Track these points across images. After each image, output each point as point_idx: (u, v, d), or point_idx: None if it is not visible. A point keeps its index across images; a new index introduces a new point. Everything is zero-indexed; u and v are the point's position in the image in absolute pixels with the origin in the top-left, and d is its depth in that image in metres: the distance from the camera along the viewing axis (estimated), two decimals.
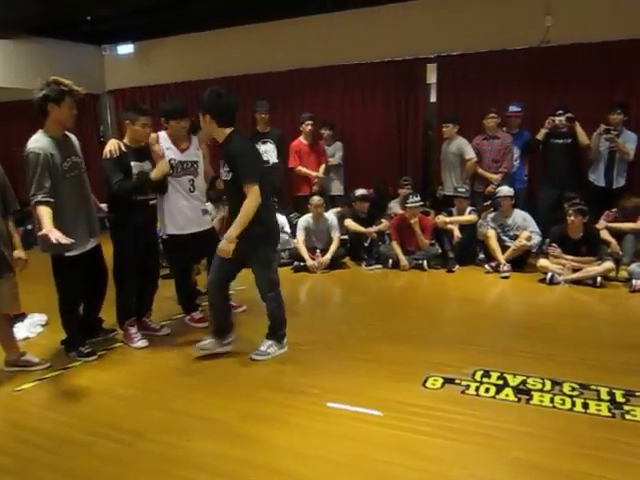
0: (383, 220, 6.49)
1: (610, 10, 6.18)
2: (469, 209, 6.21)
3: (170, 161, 4.07)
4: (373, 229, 6.39)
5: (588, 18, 6.31)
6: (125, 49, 9.26)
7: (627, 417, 2.75)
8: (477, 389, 3.09)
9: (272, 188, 6.68)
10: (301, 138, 6.98)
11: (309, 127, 6.89)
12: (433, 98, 7.64)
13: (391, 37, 7.30)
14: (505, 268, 5.62)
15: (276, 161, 6.94)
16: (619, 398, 2.92)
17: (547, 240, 5.63)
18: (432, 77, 7.50)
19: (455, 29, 6.94)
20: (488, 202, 6.20)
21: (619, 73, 6.34)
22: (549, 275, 5.30)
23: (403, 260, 5.98)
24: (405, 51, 7.32)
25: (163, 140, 4.11)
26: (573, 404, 2.89)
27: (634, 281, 5.03)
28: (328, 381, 3.25)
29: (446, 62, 7.24)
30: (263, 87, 8.11)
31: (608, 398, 2.93)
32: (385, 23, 7.28)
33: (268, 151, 6.94)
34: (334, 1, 7.22)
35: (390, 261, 6.06)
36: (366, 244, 6.35)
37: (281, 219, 6.60)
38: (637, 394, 2.95)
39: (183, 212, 4.17)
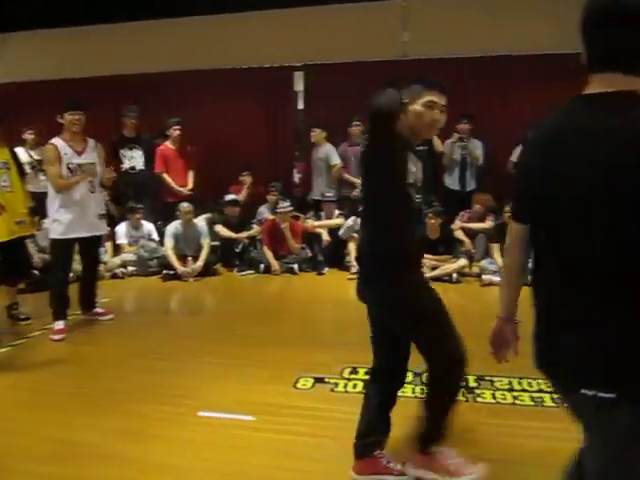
0: (254, 225, 6.51)
1: (461, 29, 6.77)
2: (337, 213, 6.43)
3: (68, 165, 4.03)
4: (244, 234, 6.38)
5: (442, 35, 6.85)
6: None
7: (478, 400, 3.01)
8: (345, 386, 3.21)
9: (139, 195, 6.51)
10: (168, 143, 6.79)
11: (177, 132, 6.72)
12: (301, 105, 7.82)
13: (260, 44, 7.36)
14: (354, 270, 5.83)
15: (143, 167, 6.71)
16: (472, 383, 3.19)
17: None
18: (300, 85, 7.69)
19: (322, 39, 7.18)
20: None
21: (468, 86, 6.94)
22: None
23: (275, 265, 6.04)
24: (273, 59, 7.43)
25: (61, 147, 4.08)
26: None
27: (484, 276, 5.53)
28: (200, 390, 3.20)
29: (313, 71, 7.45)
30: (129, 89, 7.79)
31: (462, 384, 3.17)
32: (254, 30, 7.33)
33: (135, 157, 6.69)
34: (204, 4, 7.11)
35: (262, 266, 6.09)
36: (237, 250, 6.33)
37: (148, 226, 6.39)
38: (486, 378, 3.24)
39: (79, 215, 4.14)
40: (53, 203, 4.15)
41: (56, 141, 4.13)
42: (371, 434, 2.31)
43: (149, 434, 2.73)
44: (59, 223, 4.14)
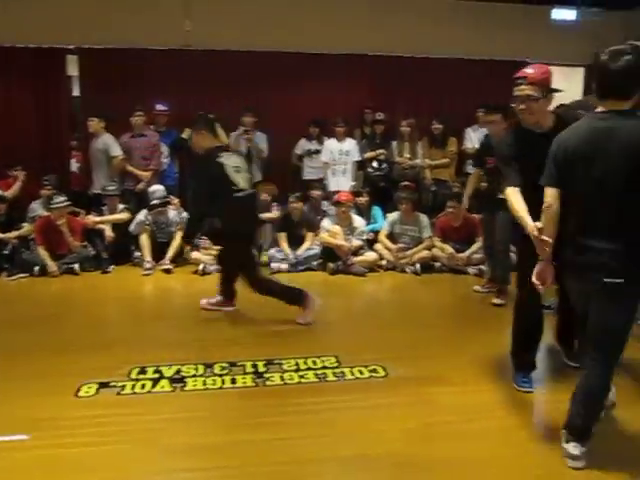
0: (25, 224, 5.85)
1: (246, 21, 6.89)
2: (121, 207, 6.09)
3: None
4: (13, 234, 5.70)
5: (226, 27, 6.87)
6: None
7: (267, 383, 3.13)
8: (133, 387, 3.08)
9: None
10: None
11: None
12: (76, 92, 7.22)
13: (27, 23, 6.57)
14: (148, 265, 5.69)
15: None
16: (261, 368, 3.30)
17: (198, 234, 5.92)
18: (74, 69, 7.08)
19: (98, 22, 6.66)
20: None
21: (252, 80, 7.08)
22: (201, 266, 5.61)
23: (52, 266, 5.50)
24: (42, 39, 6.71)
25: None
26: (223, 382, 3.14)
27: (272, 264, 5.75)
28: None
29: (88, 55, 6.91)
30: None
31: (252, 370, 3.27)
32: (21, 7, 6.52)
33: None
34: None
35: (36, 268, 5.50)
36: (6, 251, 5.64)
37: None
38: (275, 362, 3.39)
39: None
40: None
41: None
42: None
43: None
44: None
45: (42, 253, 5.54)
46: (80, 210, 6.16)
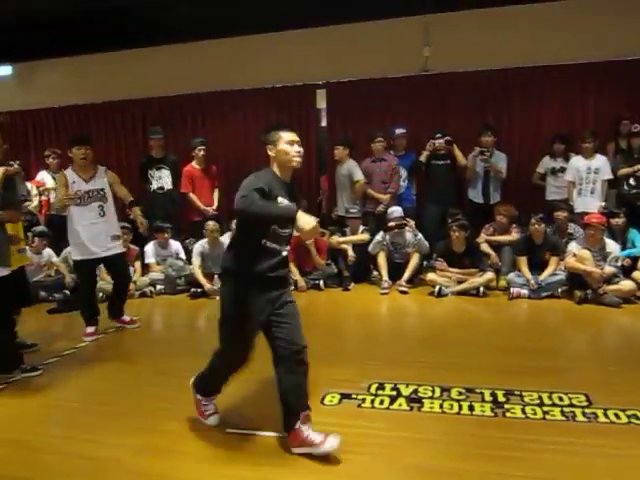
0: None
1: (480, 43, 6.77)
2: (362, 228, 6.44)
3: (77, 192, 4.43)
4: None
5: (462, 50, 6.85)
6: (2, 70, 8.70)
7: (507, 415, 2.97)
8: (372, 402, 3.19)
9: (167, 214, 6.64)
10: (193, 163, 6.92)
11: (202, 152, 6.85)
12: (324, 123, 7.90)
13: (282, 64, 7.47)
14: (386, 285, 5.87)
15: (171, 187, 6.87)
16: (500, 398, 3.15)
17: (434, 255, 5.96)
18: (322, 102, 7.77)
19: (343, 58, 7.24)
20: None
21: (489, 99, 6.93)
22: (437, 288, 5.61)
23: (300, 281, 6.07)
24: (295, 77, 7.54)
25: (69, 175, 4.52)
26: (460, 407, 3.07)
27: (511, 289, 5.46)
28: (228, 407, 3.20)
29: (334, 88, 7.53)
30: (155, 111, 8.01)
31: (491, 399, 3.14)
32: (276, 50, 7.44)
33: (162, 177, 6.86)
34: (226, 27, 7.26)
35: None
36: None
37: (176, 245, 6.50)
38: (516, 393, 3.20)
39: (91, 237, 4.49)
40: (70, 227, 4.55)
41: (67, 170, 4.59)
42: None
43: (175, 450, 2.75)
44: (74, 246, 4.59)
45: (293, 269, 6.13)
46: (325, 231, 6.69)
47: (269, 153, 2.73)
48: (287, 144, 2.68)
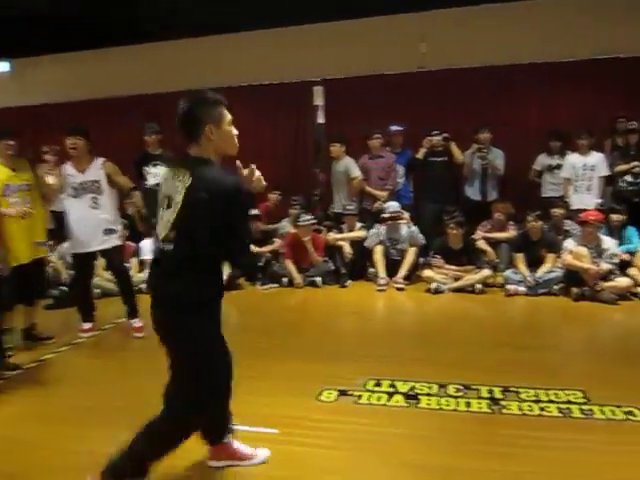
0: (275, 239, 6.56)
1: (477, 40, 6.76)
2: (359, 225, 6.43)
3: (72, 185, 4.37)
4: (267, 248, 6.42)
5: (458, 46, 6.84)
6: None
7: (504, 411, 2.97)
8: (369, 398, 3.19)
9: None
10: None
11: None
12: (321, 119, 7.88)
13: (279, 61, 7.45)
14: (382, 282, 5.86)
15: None
16: (497, 395, 3.15)
17: (431, 252, 5.96)
18: (319, 99, 7.75)
19: (339, 54, 7.22)
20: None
21: (486, 96, 6.92)
22: (434, 285, 5.61)
23: (297, 278, 6.06)
24: (292, 74, 7.51)
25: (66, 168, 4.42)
26: (457, 404, 3.07)
27: (508, 286, 5.47)
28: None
29: (331, 85, 7.52)
30: (151, 108, 7.96)
31: (488, 396, 3.14)
32: (273, 47, 7.43)
33: (159, 174, 6.79)
34: (222, 23, 7.23)
35: (284, 279, 6.11)
36: (260, 264, 6.37)
37: None
38: (512, 389, 3.20)
39: (83, 230, 4.39)
40: (66, 221, 4.51)
41: (65, 164, 4.45)
42: None
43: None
44: (71, 239, 4.57)
45: (290, 266, 6.13)
46: (321, 228, 6.69)
47: (204, 136, 2.17)
48: (231, 125, 2.26)
